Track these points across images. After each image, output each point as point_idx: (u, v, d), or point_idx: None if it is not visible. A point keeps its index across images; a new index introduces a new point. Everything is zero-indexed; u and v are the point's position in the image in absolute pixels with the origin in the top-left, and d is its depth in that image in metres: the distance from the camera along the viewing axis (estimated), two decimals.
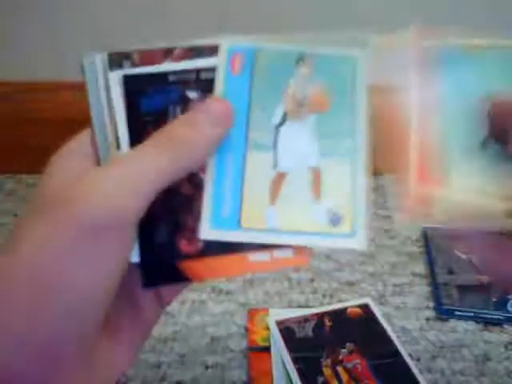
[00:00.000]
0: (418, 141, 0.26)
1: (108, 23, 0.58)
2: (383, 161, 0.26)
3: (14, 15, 0.59)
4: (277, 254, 0.25)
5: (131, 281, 0.23)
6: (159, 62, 0.25)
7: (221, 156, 0.25)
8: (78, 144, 0.25)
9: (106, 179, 0.21)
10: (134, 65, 0.25)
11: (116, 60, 0.25)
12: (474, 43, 0.27)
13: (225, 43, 0.26)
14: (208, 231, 0.24)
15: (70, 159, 0.24)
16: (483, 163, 0.26)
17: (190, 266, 0.24)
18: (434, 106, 0.26)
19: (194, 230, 0.24)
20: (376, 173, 0.26)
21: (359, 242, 0.24)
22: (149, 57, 0.25)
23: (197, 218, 0.24)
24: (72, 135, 0.25)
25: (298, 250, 0.25)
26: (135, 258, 0.24)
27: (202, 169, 0.25)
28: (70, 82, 0.59)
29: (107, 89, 0.24)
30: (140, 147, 0.23)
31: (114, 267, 0.21)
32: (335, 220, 0.25)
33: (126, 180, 0.21)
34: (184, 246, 0.24)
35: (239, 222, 0.24)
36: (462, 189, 0.25)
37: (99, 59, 0.25)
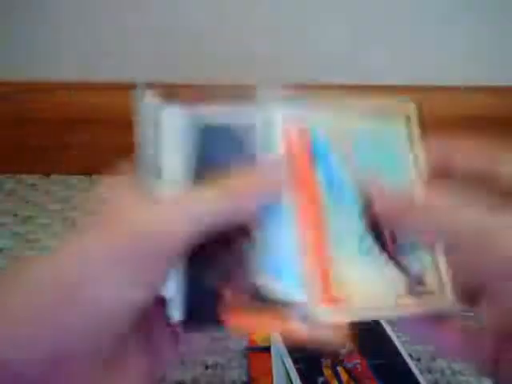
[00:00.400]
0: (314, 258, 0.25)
1: (108, 24, 0.58)
2: None
3: (13, 15, 0.59)
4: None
5: (152, 314, 0.23)
6: (208, 103, 0.25)
7: (273, 210, 0.25)
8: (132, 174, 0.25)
9: (149, 213, 0.22)
10: (184, 103, 0.25)
11: (169, 97, 0.25)
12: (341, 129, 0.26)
13: (278, 112, 0.26)
14: (261, 279, 0.24)
15: (125, 189, 0.24)
16: (370, 268, 0.25)
17: (231, 317, 0.24)
18: (317, 215, 0.25)
19: (241, 282, 0.24)
20: None
21: None
22: (197, 96, 0.25)
23: (247, 270, 0.24)
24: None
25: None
26: (169, 292, 0.23)
27: (255, 224, 0.24)
28: (70, 82, 0.59)
29: (159, 125, 0.25)
30: (190, 189, 0.24)
31: (142, 297, 0.21)
32: None
33: (169, 217, 0.21)
34: (228, 296, 0.24)
35: (294, 276, 0.24)
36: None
37: (152, 95, 0.25)
